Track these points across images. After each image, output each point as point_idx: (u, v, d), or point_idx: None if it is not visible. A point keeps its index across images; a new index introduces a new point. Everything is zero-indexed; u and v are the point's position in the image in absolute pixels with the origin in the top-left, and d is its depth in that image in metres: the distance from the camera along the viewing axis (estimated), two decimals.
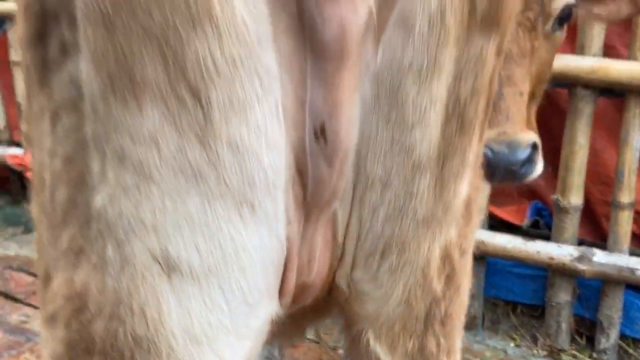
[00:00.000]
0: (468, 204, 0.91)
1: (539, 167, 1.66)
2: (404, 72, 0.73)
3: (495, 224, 3.03)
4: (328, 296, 0.94)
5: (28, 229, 4.03)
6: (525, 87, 1.66)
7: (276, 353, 2.41)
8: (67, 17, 0.70)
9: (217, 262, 0.72)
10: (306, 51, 0.68)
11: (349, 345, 1.00)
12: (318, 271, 0.87)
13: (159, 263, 0.72)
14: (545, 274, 2.86)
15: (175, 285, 0.72)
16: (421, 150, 0.78)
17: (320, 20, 0.65)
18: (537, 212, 3.01)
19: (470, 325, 2.98)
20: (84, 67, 0.69)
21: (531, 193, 3.05)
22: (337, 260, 0.88)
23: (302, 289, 0.88)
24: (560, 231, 2.76)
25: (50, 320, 0.81)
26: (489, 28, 0.77)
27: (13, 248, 3.79)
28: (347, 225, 0.84)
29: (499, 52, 0.84)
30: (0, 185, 4.62)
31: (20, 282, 3.36)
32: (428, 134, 0.77)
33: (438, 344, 0.94)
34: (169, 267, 0.71)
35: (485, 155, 1.53)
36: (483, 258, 2.92)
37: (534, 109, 1.81)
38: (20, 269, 3.49)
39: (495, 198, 3.01)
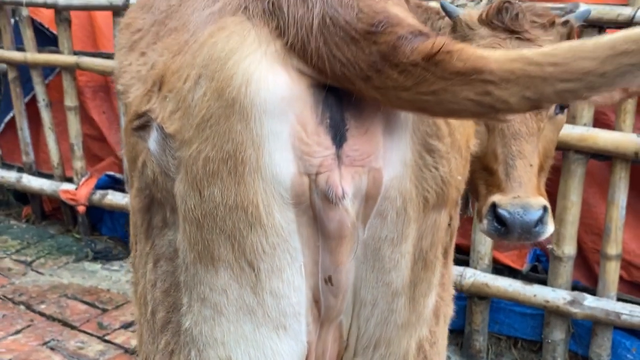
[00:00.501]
0: (436, 310, 1.29)
1: (550, 228, 1.90)
2: (382, 241, 1.11)
3: (500, 267, 3.37)
4: None
5: (78, 259, 4.44)
6: (534, 160, 1.94)
7: None
8: (170, 207, 1.11)
9: None
10: (318, 235, 1.07)
11: None
12: (330, 358, 1.25)
13: None
14: (543, 312, 3.19)
15: None
16: (397, 283, 1.16)
17: (326, 220, 1.04)
18: (536, 257, 3.33)
19: (475, 357, 3.33)
20: (181, 244, 1.09)
21: None
22: (343, 350, 1.25)
23: None
24: (555, 277, 3.10)
25: None
26: (439, 208, 1.16)
27: (66, 276, 4.19)
28: (350, 328, 1.22)
29: (450, 211, 1.22)
30: (53, 215, 5.07)
31: (75, 309, 3.75)
32: (401, 274, 1.15)
33: None
34: None
35: (502, 216, 1.82)
36: (487, 298, 3.27)
37: (543, 181, 2.06)
38: (74, 298, 3.88)
39: (499, 244, 3.35)
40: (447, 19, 2.17)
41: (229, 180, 1.01)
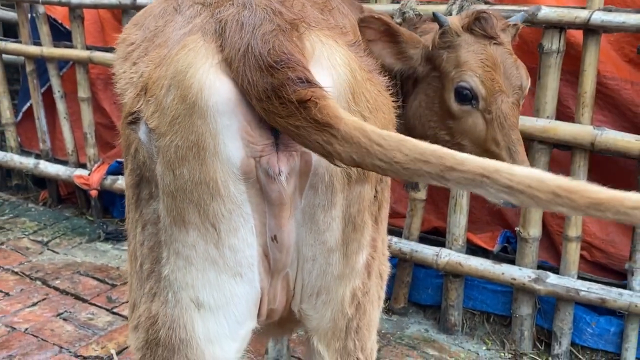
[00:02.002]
0: (368, 266, 1.59)
1: None
2: (315, 208, 1.42)
3: (474, 248, 3.65)
4: (288, 316, 1.62)
5: (91, 239, 4.77)
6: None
7: (285, 351, 3.09)
8: (155, 183, 1.42)
9: (222, 303, 1.42)
10: (265, 202, 1.38)
11: (305, 346, 1.69)
12: (279, 302, 1.56)
13: (194, 303, 1.42)
14: (512, 290, 3.47)
15: (201, 314, 1.43)
16: (331, 242, 1.47)
17: (269, 191, 1.35)
18: (506, 239, 3.62)
19: (450, 331, 3.62)
20: (162, 210, 1.41)
21: (503, 223, 3.67)
22: (291, 297, 1.56)
23: (271, 312, 1.58)
24: (522, 256, 3.39)
25: (135, 328, 1.52)
26: (362, 182, 1.46)
27: (79, 255, 4.53)
28: (295, 279, 1.53)
29: (377, 184, 1.52)
30: (68, 199, 5.41)
31: (86, 285, 4.07)
32: (334, 235, 1.46)
33: (354, 344, 1.61)
34: (199, 305, 1.42)
35: None
36: (462, 276, 3.56)
37: None
38: (86, 274, 4.21)
39: (472, 225, 3.64)
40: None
41: (194, 162, 1.32)
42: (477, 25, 2.34)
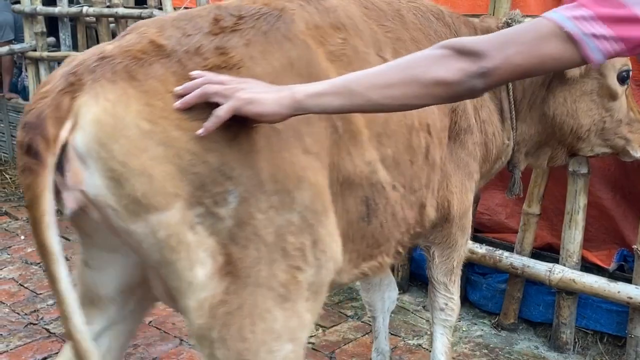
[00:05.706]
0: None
1: None
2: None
3: (589, 265, 3.59)
4: None
5: None
6: None
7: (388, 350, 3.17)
8: None
9: None
10: None
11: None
12: None
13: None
14: (628, 309, 3.38)
15: None
16: None
17: None
18: (623, 257, 3.54)
19: (562, 349, 3.57)
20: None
21: (620, 241, 3.60)
22: None
23: None
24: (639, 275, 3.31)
25: None
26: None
27: None
28: None
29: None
30: None
31: None
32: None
33: None
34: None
35: None
36: (575, 293, 3.51)
37: None
38: None
39: (588, 243, 3.59)
40: None
41: None
42: None
